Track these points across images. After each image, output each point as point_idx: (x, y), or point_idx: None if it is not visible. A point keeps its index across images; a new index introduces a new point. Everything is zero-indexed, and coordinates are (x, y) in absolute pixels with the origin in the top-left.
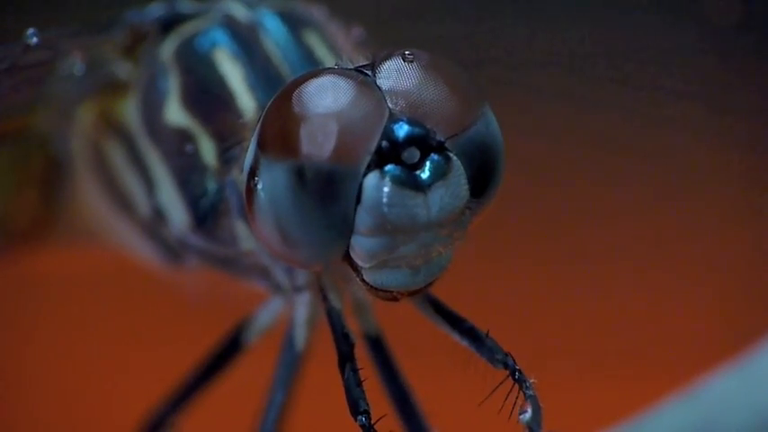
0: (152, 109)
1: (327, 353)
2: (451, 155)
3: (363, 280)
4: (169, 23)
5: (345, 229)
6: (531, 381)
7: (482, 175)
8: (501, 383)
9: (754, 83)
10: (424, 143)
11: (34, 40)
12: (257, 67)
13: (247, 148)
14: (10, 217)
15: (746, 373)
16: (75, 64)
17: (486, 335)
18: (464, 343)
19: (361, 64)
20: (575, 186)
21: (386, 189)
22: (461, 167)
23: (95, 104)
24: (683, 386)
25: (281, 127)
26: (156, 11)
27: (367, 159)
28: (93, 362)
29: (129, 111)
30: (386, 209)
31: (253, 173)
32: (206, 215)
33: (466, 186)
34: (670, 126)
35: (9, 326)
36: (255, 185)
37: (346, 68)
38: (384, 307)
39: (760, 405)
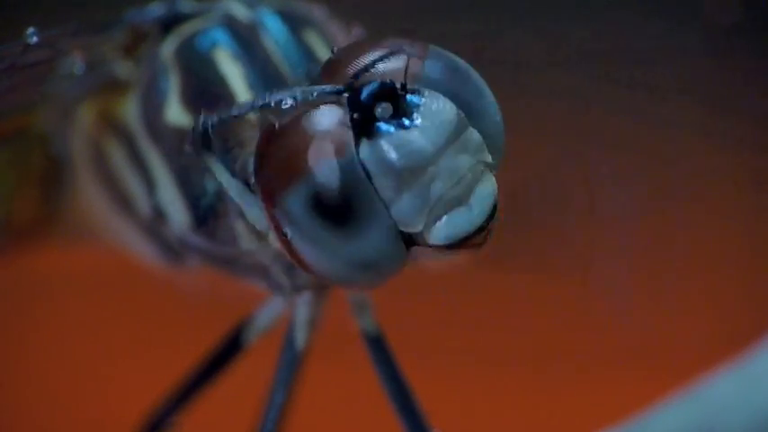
0: (152, 109)
1: (327, 353)
2: (420, 88)
3: (430, 246)
4: (169, 23)
5: (385, 216)
6: None
7: (466, 96)
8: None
9: (754, 83)
10: (389, 95)
11: (34, 39)
12: (257, 67)
13: (248, 158)
14: (10, 217)
15: (746, 373)
16: (76, 63)
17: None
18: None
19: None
20: (575, 186)
21: (382, 146)
22: (435, 92)
23: (95, 104)
24: (683, 386)
25: (277, 165)
26: (156, 11)
27: (351, 146)
28: (93, 362)
29: (130, 110)
30: (392, 157)
31: (277, 225)
32: (206, 215)
33: (450, 103)
34: (670, 126)
35: (9, 326)
36: (286, 235)
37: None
38: (384, 307)
39: (760, 405)
